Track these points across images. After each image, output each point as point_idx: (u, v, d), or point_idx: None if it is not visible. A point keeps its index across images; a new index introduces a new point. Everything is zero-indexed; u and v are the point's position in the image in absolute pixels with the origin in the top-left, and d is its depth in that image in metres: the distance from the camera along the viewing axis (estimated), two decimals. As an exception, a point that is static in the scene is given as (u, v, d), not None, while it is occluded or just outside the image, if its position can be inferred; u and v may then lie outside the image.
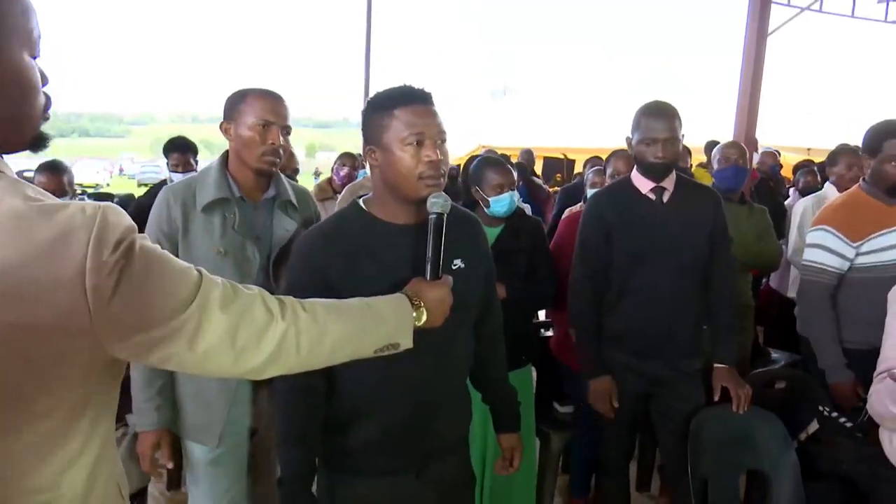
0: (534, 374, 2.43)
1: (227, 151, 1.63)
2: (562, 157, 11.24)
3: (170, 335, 0.78)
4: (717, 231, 1.94)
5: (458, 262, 1.33)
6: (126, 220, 0.78)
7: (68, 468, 0.81)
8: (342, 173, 3.88)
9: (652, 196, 1.91)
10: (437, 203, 1.20)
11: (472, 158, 2.42)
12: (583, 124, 12.64)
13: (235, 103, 1.58)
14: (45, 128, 0.84)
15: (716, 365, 1.94)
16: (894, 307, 1.62)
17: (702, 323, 1.98)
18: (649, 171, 1.88)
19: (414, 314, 1.08)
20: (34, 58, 0.80)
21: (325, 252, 1.27)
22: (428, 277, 1.16)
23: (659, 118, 1.83)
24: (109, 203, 0.79)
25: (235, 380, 1.56)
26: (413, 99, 1.23)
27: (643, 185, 1.91)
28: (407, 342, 1.05)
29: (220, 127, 1.59)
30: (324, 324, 0.94)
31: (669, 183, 1.91)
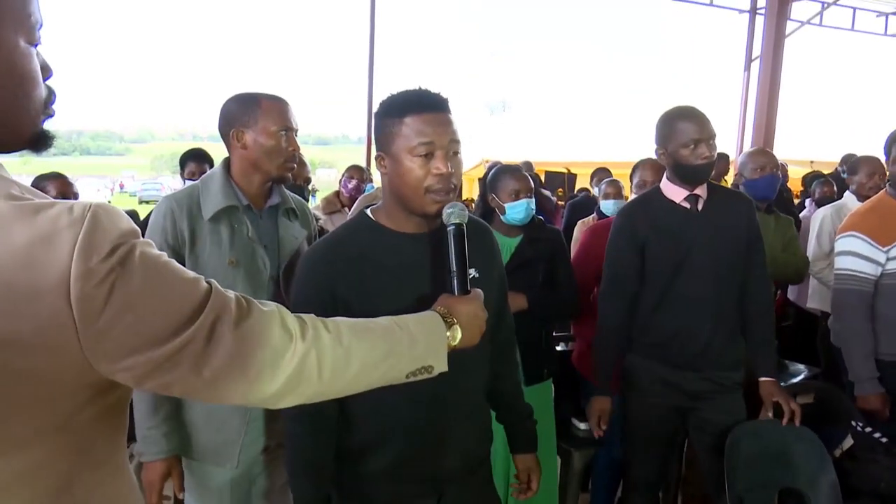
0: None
1: (227, 158, 1.56)
2: (564, 170, 11.23)
3: (170, 357, 0.68)
4: (751, 238, 1.89)
5: (471, 272, 1.22)
6: (124, 222, 0.68)
7: (58, 492, 0.70)
8: (350, 186, 3.84)
9: (686, 205, 1.86)
10: (454, 213, 1.13)
11: (491, 167, 2.39)
12: (584, 138, 12.65)
13: (248, 109, 1.51)
14: (49, 126, 0.74)
15: (762, 379, 1.88)
16: None
17: (738, 333, 1.92)
18: (694, 175, 1.82)
19: (448, 333, 0.98)
20: (34, 46, 0.71)
21: (332, 263, 1.20)
22: (456, 293, 1.08)
23: (696, 119, 1.79)
24: (103, 203, 0.69)
25: None
26: (426, 106, 1.15)
27: (676, 193, 1.87)
28: (441, 365, 0.95)
29: (231, 134, 1.51)
30: (348, 345, 0.83)
31: (703, 190, 1.86)
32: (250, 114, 1.51)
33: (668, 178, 1.90)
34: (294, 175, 2.01)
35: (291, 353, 0.76)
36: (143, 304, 0.67)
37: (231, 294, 0.75)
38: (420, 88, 1.20)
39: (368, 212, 1.29)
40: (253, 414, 1.53)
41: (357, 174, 3.91)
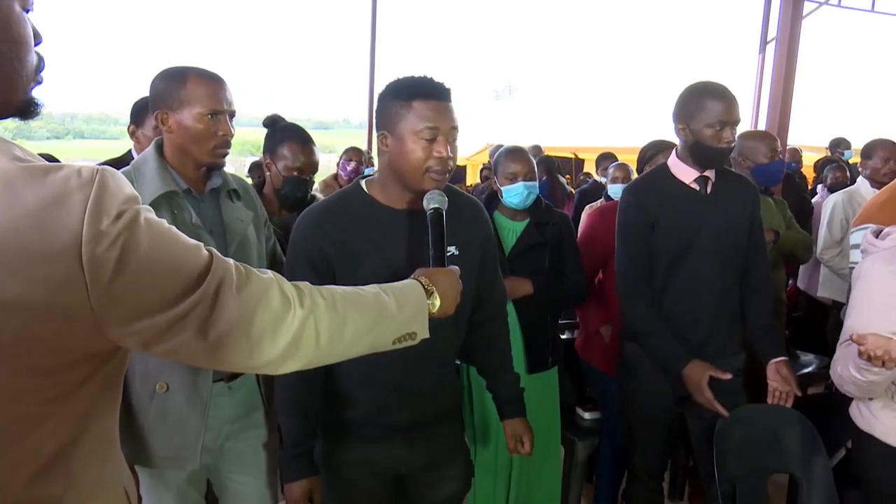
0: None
1: (160, 139, 1.49)
2: (571, 156, 11.17)
3: (178, 321, 0.71)
4: (755, 224, 1.89)
5: (451, 249, 1.38)
6: (128, 187, 0.71)
7: (57, 463, 0.74)
8: (349, 168, 3.84)
9: (696, 186, 1.85)
10: (433, 199, 1.26)
11: (494, 150, 2.37)
12: (592, 122, 12.56)
13: (172, 89, 1.42)
14: (37, 94, 0.76)
15: (773, 361, 1.87)
16: (857, 282, 1.63)
17: (739, 319, 1.92)
18: (712, 159, 1.79)
19: (429, 301, 1.04)
20: (26, 11, 0.73)
21: (321, 226, 1.34)
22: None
23: (726, 99, 1.74)
24: (108, 167, 0.72)
25: (208, 387, 1.45)
26: (432, 93, 1.28)
27: (686, 174, 1.85)
28: (423, 332, 1.02)
29: (155, 116, 1.43)
30: (343, 312, 0.88)
31: (712, 173, 1.85)
32: (174, 94, 1.41)
33: (678, 157, 1.87)
34: (302, 168, 1.96)
35: (291, 317, 0.80)
36: (151, 267, 0.70)
37: (230, 260, 0.78)
38: (424, 76, 1.32)
39: (363, 184, 1.41)
40: (214, 409, 1.48)
41: (356, 156, 3.91)
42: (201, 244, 0.77)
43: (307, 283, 0.88)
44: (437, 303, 1.06)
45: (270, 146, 2.01)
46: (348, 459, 1.46)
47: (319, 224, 1.35)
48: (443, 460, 1.53)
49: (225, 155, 1.49)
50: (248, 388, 1.59)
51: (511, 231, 2.15)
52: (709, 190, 1.85)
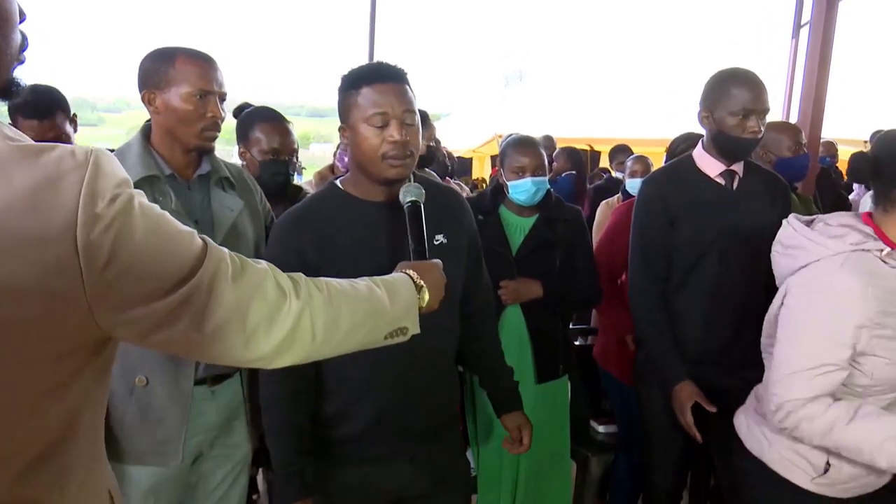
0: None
1: (148, 123, 1.54)
2: (587, 148, 11.17)
3: (174, 310, 0.74)
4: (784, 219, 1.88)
5: (440, 238, 1.44)
6: (121, 170, 0.73)
7: (44, 462, 0.76)
8: (347, 159, 3.83)
9: (721, 181, 1.85)
10: (409, 192, 1.29)
11: (503, 140, 2.36)
12: (609, 112, 12.51)
13: (160, 69, 1.46)
14: (18, 73, 0.78)
15: None
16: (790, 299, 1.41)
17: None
18: (736, 150, 1.80)
19: (418, 296, 1.07)
20: None
21: (300, 231, 1.38)
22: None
23: (753, 86, 1.74)
24: (101, 148, 0.73)
25: (189, 381, 1.48)
26: (380, 76, 1.33)
27: (711, 167, 1.85)
28: (415, 327, 1.04)
29: (142, 97, 1.48)
30: (339, 305, 0.91)
31: (739, 167, 1.85)
32: (162, 74, 1.46)
33: (703, 148, 1.87)
34: (278, 148, 1.98)
35: (287, 309, 0.83)
36: (146, 254, 0.72)
37: (224, 249, 0.81)
38: (378, 62, 1.38)
39: (338, 182, 1.46)
40: (196, 403, 1.51)
41: (355, 147, 3.91)
42: (195, 231, 0.79)
43: (301, 273, 0.91)
44: (426, 297, 1.08)
45: (242, 133, 2.03)
46: (345, 484, 1.44)
47: (296, 230, 1.38)
48: (445, 477, 1.53)
49: (214, 138, 1.53)
50: (233, 392, 1.60)
51: (518, 228, 2.14)
52: (735, 185, 1.85)
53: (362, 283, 0.98)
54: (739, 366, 1.85)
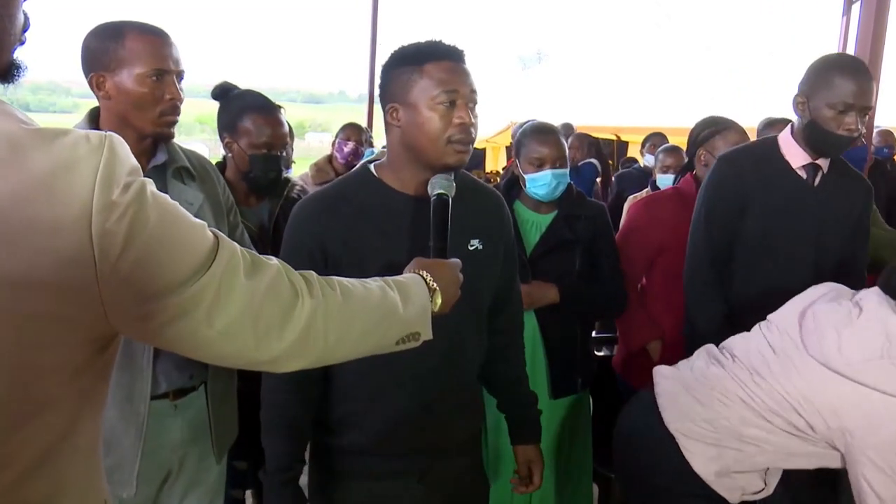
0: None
1: (95, 109, 1.51)
2: (613, 137, 11.14)
3: (187, 303, 0.77)
4: (861, 229, 1.90)
5: (475, 243, 1.43)
6: (132, 156, 0.76)
7: (44, 464, 0.79)
8: (346, 150, 3.84)
9: (803, 174, 1.86)
10: (438, 184, 1.27)
11: (518, 128, 2.36)
12: (636, 97, 12.45)
13: (108, 48, 1.42)
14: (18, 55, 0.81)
15: None
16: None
17: None
18: (827, 145, 1.80)
19: (430, 300, 1.08)
20: None
21: (327, 219, 1.36)
22: None
23: (859, 78, 1.73)
24: (113, 133, 0.76)
25: (144, 402, 1.45)
26: (446, 54, 1.32)
27: (795, 156, 1.85)
28: (427, 332, 1.06)
29: (90, 81, 1.45)
30: (352, 307, 0.93)
31: (825, 163, 1.85)
32: (111, 53, 1.42)
33: (791, 134, 1.87)
34: (270, 142, 1.95)
35: (300, 309, 0.87)
36: (160, 244, 0.75)
37: (234, 243, 0.84)
38: (433, 40, 1.35)
39: (372, 167, 1.42)
40: (158, 419, 1.49)
41: (355, 135, 3.92)
42: (206, 223, 0.82)
43: (313, 272, 0.93)
44: (439, 301, 1.10)
45: (228, 121, 1.97)
46: (346, 499, 1.44)
47: (321, 216, 1.36)
48: (459, 501, 1.53)
49: (173, 123, 1.50)
50: (197, 408, 1.59)
51: (534, 225, 2.14)
52: (817, 182, 1.85)
53: (374, 283, 1.00)
54: None
